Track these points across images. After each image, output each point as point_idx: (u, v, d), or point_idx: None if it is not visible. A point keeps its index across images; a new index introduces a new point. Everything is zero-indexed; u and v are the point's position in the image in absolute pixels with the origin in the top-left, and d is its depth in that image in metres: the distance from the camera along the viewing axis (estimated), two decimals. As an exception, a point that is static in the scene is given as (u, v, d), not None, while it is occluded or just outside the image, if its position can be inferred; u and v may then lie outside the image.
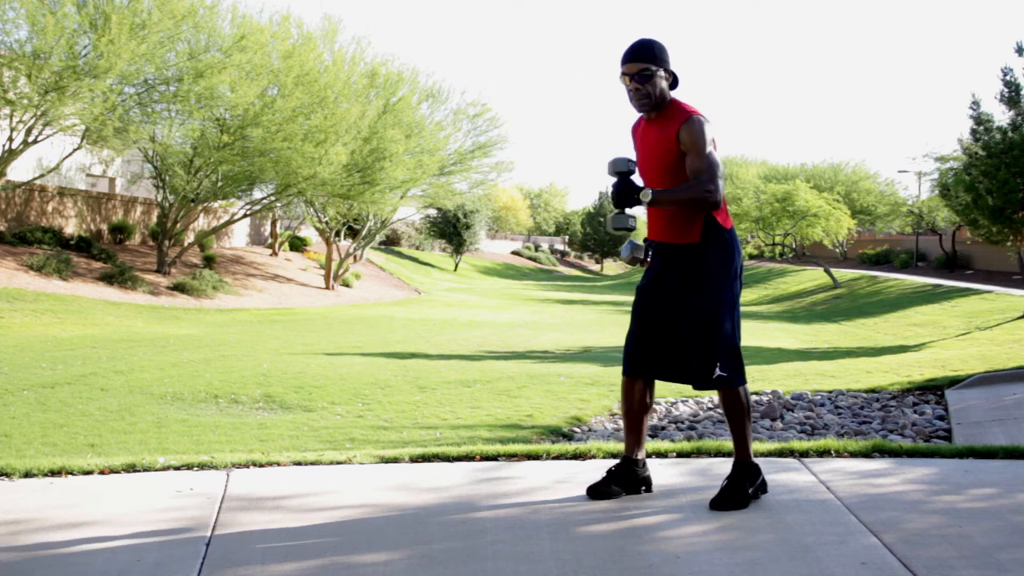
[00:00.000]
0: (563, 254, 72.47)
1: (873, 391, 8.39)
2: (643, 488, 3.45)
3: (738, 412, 3.37)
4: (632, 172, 3.30)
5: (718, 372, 3.31)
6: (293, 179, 21.15)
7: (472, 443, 5.67)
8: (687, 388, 8.47)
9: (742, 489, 3.27)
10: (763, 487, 3.38)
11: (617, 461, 3.52)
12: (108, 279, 18.77)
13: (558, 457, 3.95)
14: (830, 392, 8.36)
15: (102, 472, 3.65)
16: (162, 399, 7.73)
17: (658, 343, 3.41)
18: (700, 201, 3.17)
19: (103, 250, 20.93)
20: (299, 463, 3.82)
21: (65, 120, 17.20)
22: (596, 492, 3.37)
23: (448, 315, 20.92)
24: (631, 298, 3.87)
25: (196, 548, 2.81)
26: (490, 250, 58.61)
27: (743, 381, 3.37)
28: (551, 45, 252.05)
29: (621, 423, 6.95)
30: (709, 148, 3.20)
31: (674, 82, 3.33)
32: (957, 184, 18.53)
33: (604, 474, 3.44)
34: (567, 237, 75.30)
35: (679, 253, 3.34)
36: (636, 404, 3.46)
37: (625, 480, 3.41)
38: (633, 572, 2.67)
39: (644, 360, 3.41)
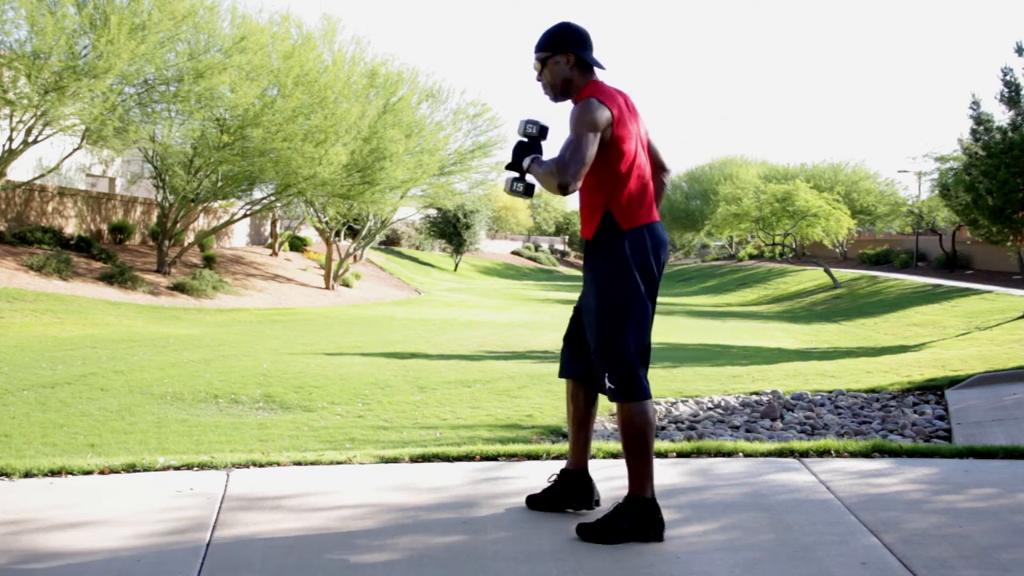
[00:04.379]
0: (563, 254, 72.47)
1: (873, 391, 8.39)
2: (595, 503, 3.21)
3: (629, 433, 2.95)
4: (534, 136, 3.06)
5: (607, 383, 2.98)
6: (293, 179, 21.15)
7: (472, 443, 5.66)
8: (686, 388, 8.47)
9: (614, 525, 2.90)
10: (655, 529, 2.90)
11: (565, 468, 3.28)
12: (108, 279, 18.77)
13: (558, 457, 3.95)
14: (830, 392, 8.35)
15: (102, 472, 3.65)
16: (162, 399, 7.73)
17: (578, 343, 3.22)
18: (549, 182, 2.85)
19: (103, 250, 20.93)
20: (299, 463, 3.82)
21: (65, 120, 17.20)
22: (535, 502, 3.23)
23: (448, 315, 20.92)
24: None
25: (196, 548, 2.81)
26: (490, 250, 58.60)
27: (636, 397, 2.94)
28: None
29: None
30: (582, 130, 2.84)
31: (583, 65, 3.05)
32: (957, 184, 18.54)
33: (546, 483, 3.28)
34: (567, 237, 75.30)
35: (585, 248, 3.16)
36: (571, 408, 3.25)
37: (578, 492, 3.20)
38: (633, 572, 2.67)
39: (569, 360, 3.22)
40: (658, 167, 3.28)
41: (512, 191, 3.07)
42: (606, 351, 2.98)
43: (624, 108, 3.02)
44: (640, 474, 2.95)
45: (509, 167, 3.08)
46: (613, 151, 2.96)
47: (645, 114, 3.30)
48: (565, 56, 3.04)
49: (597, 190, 3.02)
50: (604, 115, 2.89)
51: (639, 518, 2.91)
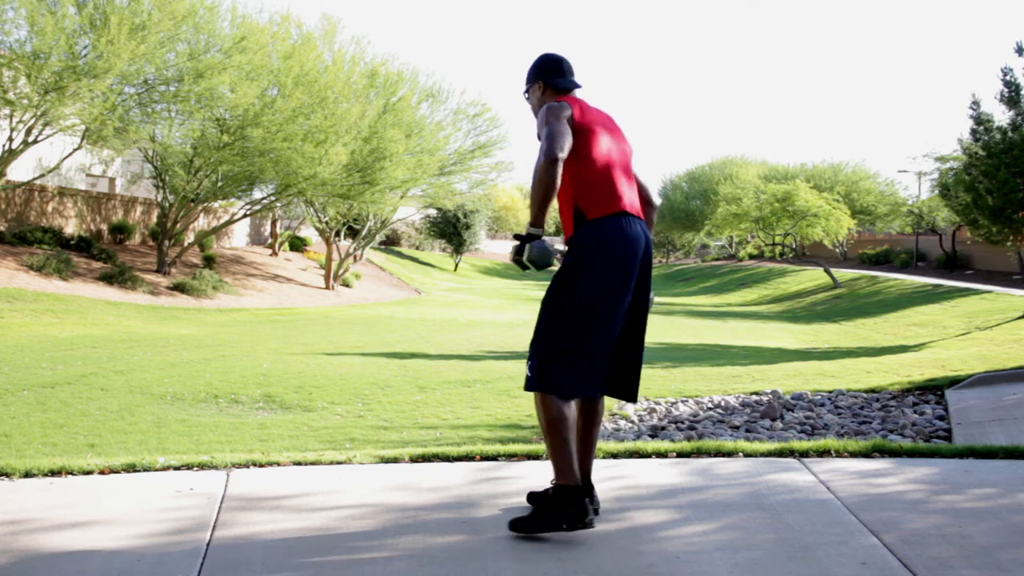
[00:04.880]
0: (563, 254, 72.45)
1: (873, 391, 8.38)
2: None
3: (541, 425, 3.01)
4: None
5: (527, 371, 3.05)
6: (293, 179, 21.15)
7: (472, 443, 5.66)
8: (687, 388, 8.46)
9: (539, 516, 2.93)
10: (579, 517, 2.88)
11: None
12: (108, 279, 18.77)
13: (558, 457, 3.95)
14: (830, 392, 8.35)
15: (102, 472, 3.65)
16: (162, 399, 7.73)
17: None
18: (539, 166, 2.91)
19: (103, 250, 20.92)
20: (299, 463, 3.82)
21: (65, 120, 17.20)
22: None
23: (448, 315, 20.91)
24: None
25: (196, 548, 2.81)
26: (490, 250, 58.60)
27: (549, 389, 2.97)
28: (551, 45, 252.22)
29: (620, 423, 6.95)
30: (549, 119, 3.02)
31: (554, 90, 3.29)
32: (957, 184, 18.57)
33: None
34: (567, 237, 75.27)
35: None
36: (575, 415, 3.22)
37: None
38: (633, 572, 2.67)
39: None
40: (645, 202, 3.38)
41: (530, 250, 2.99)
42: (539, 340, 3.07)
43: (591, 111, 3.19)
44: (556, 464, 2.97)
45: (520, 244, 3.02)
46: (578, 140, 3.08)
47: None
48: (537, 84, 3.34)
49: (568, 186, 3.14)
50: (564, 110, 3.08)
51: (560, 506, 2.92)
